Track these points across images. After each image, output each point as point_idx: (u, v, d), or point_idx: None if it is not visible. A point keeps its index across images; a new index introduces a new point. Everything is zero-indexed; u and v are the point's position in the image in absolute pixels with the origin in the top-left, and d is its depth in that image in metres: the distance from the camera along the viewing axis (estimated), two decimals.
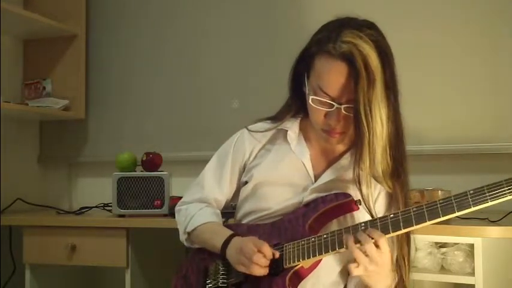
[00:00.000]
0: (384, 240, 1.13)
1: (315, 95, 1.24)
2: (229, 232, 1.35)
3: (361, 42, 1.17)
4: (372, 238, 1.13)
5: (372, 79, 1.16)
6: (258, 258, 1.22)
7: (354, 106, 1.19)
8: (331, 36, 1.20)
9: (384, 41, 1.23)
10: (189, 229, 1.44)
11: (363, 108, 1.17)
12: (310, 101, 1.25)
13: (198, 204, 1.49)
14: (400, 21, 2.18)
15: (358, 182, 1.24)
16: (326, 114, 1.25)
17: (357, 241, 1.15)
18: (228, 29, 2.51)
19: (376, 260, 1.13)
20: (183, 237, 1.47)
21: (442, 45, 2.15)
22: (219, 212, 1.49)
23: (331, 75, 1.21)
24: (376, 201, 1.32)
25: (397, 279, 1.29)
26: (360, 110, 1.17)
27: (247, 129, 1.47)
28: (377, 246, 1.13)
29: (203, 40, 2.55)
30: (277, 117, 1.44)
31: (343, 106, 1.22)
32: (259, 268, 1.22)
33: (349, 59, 1.17)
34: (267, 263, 1.23)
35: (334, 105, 1.22)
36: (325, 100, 1.23)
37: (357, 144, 1.23)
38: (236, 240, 1.31)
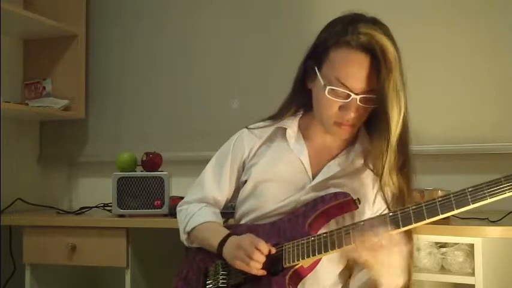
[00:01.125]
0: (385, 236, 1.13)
1: (332, 85, 1.25)
2: (226, 231, 1.36)
3: (378, 34, 1.20)
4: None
5: (390, 70, 1.19)
6: (256, 254, 1.23)
7: (375, 96, 1.21)
8: (348, 29, 1.23)
9: (393, 37, 1.25)
10: (188, 228, 1.45)
11: (383, 98, 1.20)
12: (326, 92, 1.26)
13: (198, 204, 1.50)
14: (401, 21, 2.17)
15: (372, 170, 1.27)
16: (341, 107, 1.26)
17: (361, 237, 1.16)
18: (228, 29, 2.51)
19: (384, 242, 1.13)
20: (183, 236, 1.48)
21: (443, 45, 2.15)
22: (218, 211, 1.50)
23: (351, 66, 1.22)
24: (376, 199, 1.33)
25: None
26: (381, 99, 1.20)
27: (247, 128, 1.48)
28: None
29: (203, 40, 2.55)
30: (277, 115, 1.45)
31: (359, 96, 1.23)
32: (257, 264, 1.23)
33: (369, 49, 1.20)
34: (263, 258, 1.23)
35: (351, 96, 1.23)
36: (342, 91, 1.24)
37: (374, 132, 1.25)
38: (233, 239, 1.32)
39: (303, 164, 1.37)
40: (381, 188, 1.27)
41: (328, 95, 1.26)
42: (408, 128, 1.29)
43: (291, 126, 1.41)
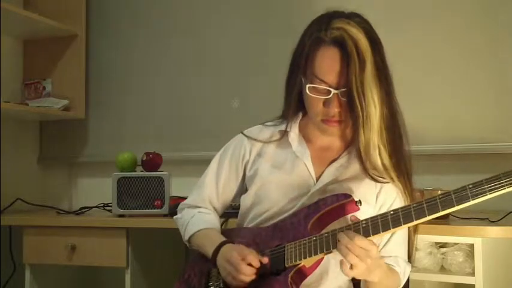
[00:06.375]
0: (367, 243, 1.14)
1: (311, 83, 1.26)
2: (220, 240, 1.36)
3: (351, 27, 1.22)
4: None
5: (363, 61, 1.20)
6: (243, 268, 1.23)
7: (346, 89, 1.22)
8: (322, 26, 1.25)
9: (371, 28, 1.27)
10: (186, 238, 1.47)
11: (355, 90, 1.21)
12: (307, 90, 1.27)
13: (192, 211, 1.51)
14: (401, 21, 2.18)
15: (367, 172, 1.27)
16: (324, 103, 1.27)
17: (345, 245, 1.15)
18: (228, 29, 2.51)
19: (365, 260, 1.14)
20: (186, 243, 1.50)
21: (443, 44, 2.15)
22: (212, 215, 1.50)
23: (325, 61, 1.24)
24: (379, 196, 1.34)
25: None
26: (352, 91, 1.21)
27: (246, 133, 1.47)
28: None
29: (203, 40, 2.55)
30: (277, 119, 1.44)
31: (339, 91, 1.24)
32: (246, 278, 1.24)
33: (340, 43, 1.22)
34: (253, 271, 1.24)
35: (331, 92, 1.24)
36: (321, 87, 1.25)
37: (354, 125, 1.25)
38: (225, 249, 1.32)
39: (306, 166, 1.37)
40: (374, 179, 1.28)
41: (309, 93, 1.27)
42: (395, 116, 1.29)
43: (292, 129, 1.40)
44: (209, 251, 1.35)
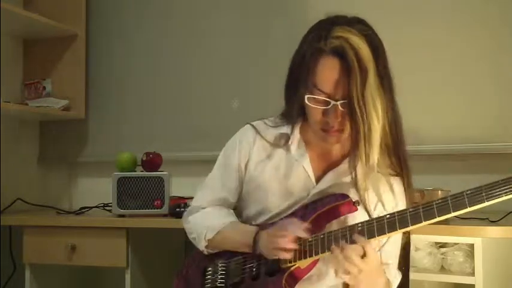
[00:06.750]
0: (369, 248, 1.14)
1: (311, 93, 1.24)
2: (253, 228, 1.33)
3: (352, 35, 1.18)
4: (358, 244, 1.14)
5: (365, 72, 1.17)
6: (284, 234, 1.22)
7: (347, 100, 1.19)
8: (322, 34, 1.21)
9: (374, 35, 1.23)
10: (209, 236, 1.39)
11: (356, 102, 1.17)
12: (306, 100, 1.25)
13: (208, 209, 1.46)
14: (400, 21, 2.18)
15: (354, 180, 1.26)
16: (324, 113, 1.24)
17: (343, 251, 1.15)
18: (228, 29, 2.51)
19: (362, 268, 1.14)
20: (202, 244, 1.41)
21: (442, 44, 2.15)
22: (225, 210, 1.46)
23: (325, 72, 1.21)
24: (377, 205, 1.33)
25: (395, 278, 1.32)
26: (354, 104, 1.17)
27: (251, 124, 1.45)
28: (364, 255, 1.14)
29: (203, 40, 2.55)
30: (279, 121, 1.43)
31: (339, 102, 1.21)
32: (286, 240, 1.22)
33: (340, 53, 1.18)
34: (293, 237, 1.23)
35: (330, 103, 1.22)
36: (321, 98, 1.22)
37: (354, 138, 1.22)
38: (263, 234, 1.29)
39: (305, 170, 1.35)
40: (359, 196, 1.26)
41: (308, 103, 1.25)
42: (398, 124, 1.28)
43: (293, 132, 1.39)
44: (245, 240, 1.31)
